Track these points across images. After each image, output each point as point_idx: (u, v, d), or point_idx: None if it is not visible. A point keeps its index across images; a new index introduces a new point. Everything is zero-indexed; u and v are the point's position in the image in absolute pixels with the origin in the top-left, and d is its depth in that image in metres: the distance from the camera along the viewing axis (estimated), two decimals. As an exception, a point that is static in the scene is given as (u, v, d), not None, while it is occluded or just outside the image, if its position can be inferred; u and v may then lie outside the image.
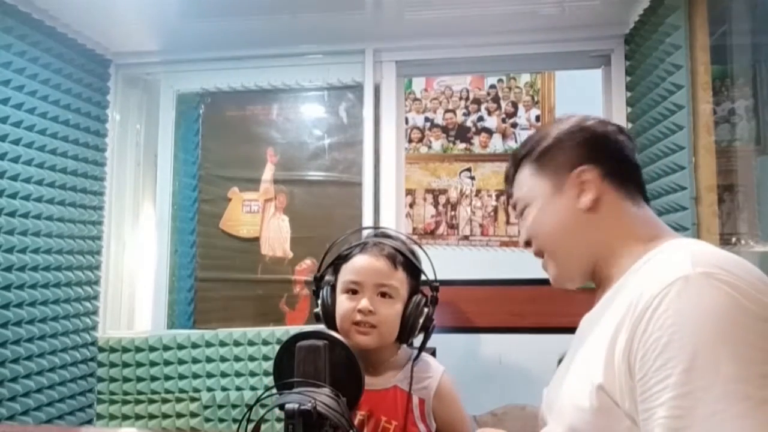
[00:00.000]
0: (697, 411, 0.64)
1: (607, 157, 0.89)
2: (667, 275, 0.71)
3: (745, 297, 0.67)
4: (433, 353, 1.92)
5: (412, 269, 1.21)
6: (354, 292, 1.17)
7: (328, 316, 1.19)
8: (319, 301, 1.21)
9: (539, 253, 0.96)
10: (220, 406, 2.08)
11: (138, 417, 2.13)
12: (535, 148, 0.94)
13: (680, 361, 0.65)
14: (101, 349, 2.15)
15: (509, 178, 1.00)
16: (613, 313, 0.78)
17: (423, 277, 1.23)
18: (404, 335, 1.18)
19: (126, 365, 2.14)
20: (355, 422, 1.13)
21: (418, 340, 1.21)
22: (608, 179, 0.88)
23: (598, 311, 0.87)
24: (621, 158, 0.90)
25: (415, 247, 1.27)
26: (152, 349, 2.13)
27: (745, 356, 0.64)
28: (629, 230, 0.87)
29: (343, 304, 1.17)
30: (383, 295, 1.16)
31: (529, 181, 0.94)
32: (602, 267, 0.89)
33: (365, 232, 1.33)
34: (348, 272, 1.19)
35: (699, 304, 0.67)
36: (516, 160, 0.98)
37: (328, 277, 1.24)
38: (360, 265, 1.18)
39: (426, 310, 1.18)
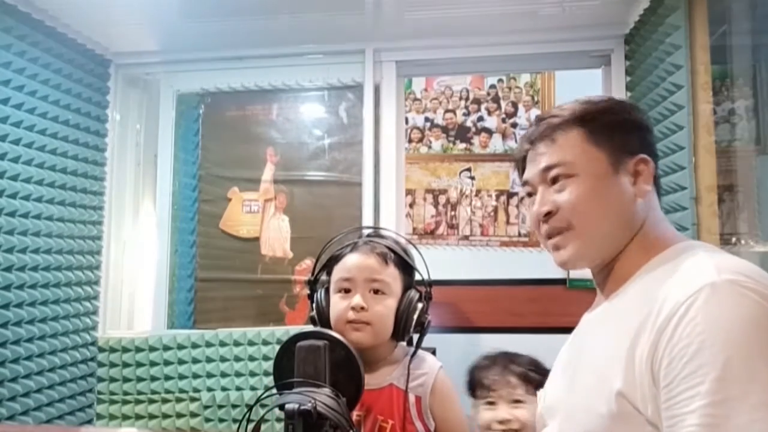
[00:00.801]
0: (733, 420, 0.63)
1: (655, 155, 0.89)
2: (692, 282, 0.71)
3: None
4: (433, 353, 1.91)
5: (405, 266, 1.21)
6: (346, 290, 1.17)
7: (322, 317, 1.19)
8: (314, 304, 1.21)
9: (558, 230, 0.86)
10: (220, 406, 2.08)
11: (138, 417, 2.12)
12: (597, 117, 0.87)
13: (712, 368, 0.65)
14: (101, 349, 2.15)
15: (544, 135, 0.88)
16: (627, 315, 0.77)
17: (417, 275, 1.23)
18: (399, 331, 1.18)
19: (126, 365, 2.14)
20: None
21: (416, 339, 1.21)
22: (654, 176, 0.88)
23: (604, 311, 0.86)
24: (657, 158, 0.91)
25: (408, 246, 1.27)
26: (152, 349, 2.13)
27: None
28: (655, 227, 0.86)
29: (337, 304, 1.17)
30: (375, 291, 1.16)
31: (582, 148, 0.85)
32: (617, 260, 0.86)
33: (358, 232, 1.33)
34: (340, 271, 1.19)
35: (728, 311, 0.67)
36: (563, 119, 0.87)
37: (322, 279, 1.24)
38: (351, 263, 1.18)
39: (420, 305, 1.18)
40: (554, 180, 0.86)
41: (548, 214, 0.86)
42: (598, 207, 0.84)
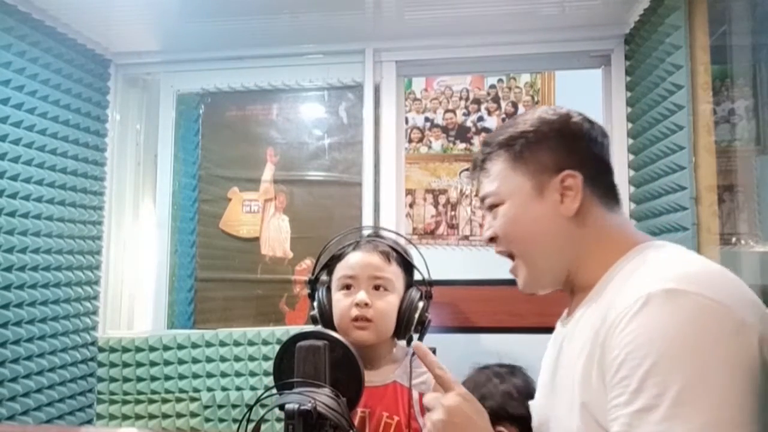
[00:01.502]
0: (639, 430, 0.64)
1: (591, 162, 0.86)
2: (631, 293, 0.71)
3: (708, 314, 0.66)
4: (433, 352, 1.92)
5: (406, 265, 1.22)
6: (349, 287, 1.18)
7: (324, 316, 1.19)
8: (315, 303, 1.21)
9: (506, 254, 0.91)
10: (220, 406, 2.08)
11: (138, 417, 2.12)
12: (516, 141, 0.87)
13: (632, 380, 0.66)
14: (101, 349, 2.15)
15: (477, 166, 0.92)
16: (587, 327, 0.78)
17: (417, 275, 1.24)
18: (400, 329, 1.18)
19: (126, 365, 2.14)
20: (356, 419, 1.13)
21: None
22: (590, 186, 0.85)
23: (573, 323, 0.86)
24: (602, 163, 0.87)
25: (408, 246, 1.27)
26: (152, 349, 2.13)
27: (693, 379, 0.63)
28: (606, 238, 0.85)
29: (340, 301, 1.17)
30: (378, 288, 1.17)
31: (504, 175, 0.87)
32: (575, 274, 0.87)
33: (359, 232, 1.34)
34: (342, 269, 1.20)
35: (656, 323, 0.67)
36: (490, 148, 0.90)
37: (322, 278, 1.25)
38: (354, 260, 1.19)
39: (421, 304, 1.18)
40: (490, 207, 0.90)
41: (492, 239, 0.90)
42: (526, 233, 0.87)
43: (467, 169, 3.26)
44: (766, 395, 0.65)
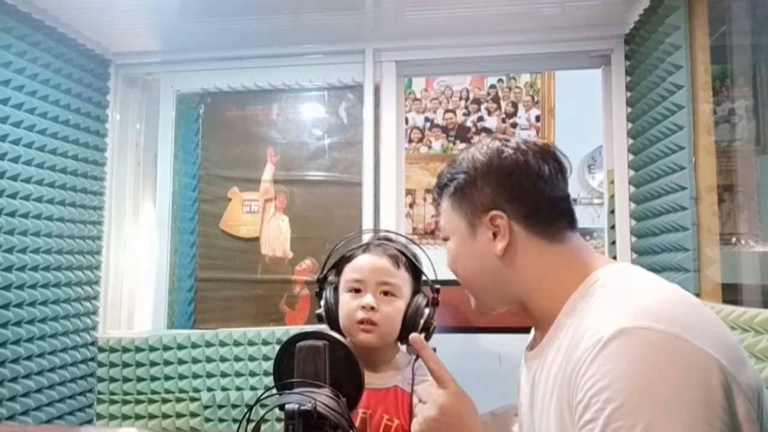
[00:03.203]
0: None
1: (519, 199, 0.84)
2: (589, 335, 0.71)
3: (662, 348, 0.65)
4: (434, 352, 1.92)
5: (414, 270, 1.23)
6: (357, 290, 1.18)
7: (330, 315, 1.20)
8: (322, 302, 1.22)
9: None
10: (220, 406, 2.08)
11: (138, 417, 2.13)
12: (451, 184, 0.91)
13: (597, 424, 0.65)
14: (101, 349, 2.15)
15: (435, 201, 0.97)
16: (554, 369, 0.79)
17: (424, 278, 1.24)
18: (405, 334, 1.18)
19: (126, 365, 2.14)
20: (358, 420, 1.13)
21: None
22: (520, 223, 0.84)
23: (540, 359, 0.85)
24: (536, 197, 0.84)
25: (417, 250, 1.28)
26: (152, 349, 2.13)
27: (657, 416, 0.62)
28: (547, 272, 0.84)
29: (347, 303, 1.18)
30: (386, 293, 1.18)
31: (448, 213, 0.92)
32: (529, 304, 0.87)
33: (367, 235, 1.35)
34: (351, 271, 1.21)
35: (611, 366, 0.66)
36: (438, 187, 0.95)
37: (331, 278, 1.25)
38: (363, 263, 1.20)
39: (427, 311, 1.19)
40: (444, 240, 0.95)
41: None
42: (464, 268, 0.91)
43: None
44: (732, 418, 0.64)
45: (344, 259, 1.24)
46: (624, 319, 0.68)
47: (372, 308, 1.15)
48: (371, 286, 1.18)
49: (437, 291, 1.21)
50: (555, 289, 0.83)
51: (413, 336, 0.96)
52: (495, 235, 0.85)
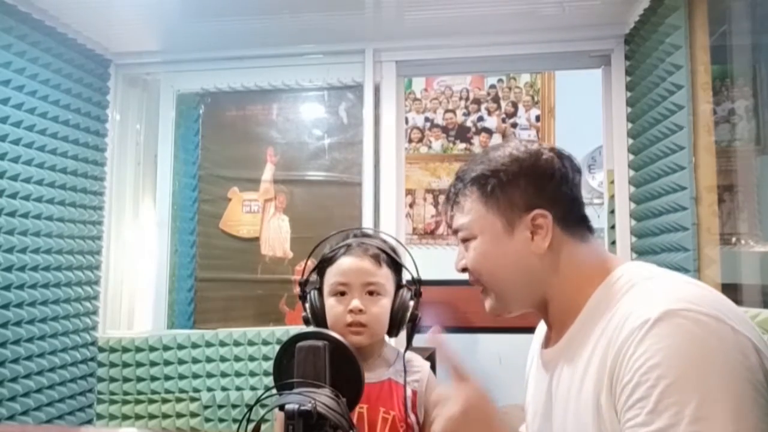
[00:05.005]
0: None
1: (561, 200, 0.87)
2: (634, 318, 0.73)
3: (709, 329, 0.68)
4: (433, 353, 1.92)
5: (396, 265, 1.24)
6: (342, 293, 1.19)
7: (317, 318, 1.20)
8: (307, 305, 1.22)
9: (476, 283, 0.94)
10: (220, 406, 2.08)
11: (138, 417, 2.13)
12: (488, 180, 0.88)
13: (648, 401, 0.67)
14: (101, 349, 2.16)
15: (450, 199, 0.94)
16: (590, 357, 0.79)
17: (407, 277, 1.25)
18: (393, 329, 1.21)
19: (126, 365, 2.14)
20: (355, 415, 1.14)
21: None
22: (561, 222, 0.86)
23: (565, 355, 0.86)
24: (573, 199, 0.88)
25: (393, 242, 1.29)
26: (152, 349, 2.13)
27: (708, 394, 0.65)
28: (579, 269, 0.87)
29: (334, 307, 1.19)
30: (371, 293, 1.18)
31: (476, 211, 0.89)
32: (552, 303, 0.89)
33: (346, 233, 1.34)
34: (334, 274, 1.20)
35: (662, 345, 0.69)
36: (462, 184, 0.92)
37: (312, 280, 1.25)
38: (346, 266, 1.20)
39: (411, 303, 1.20)
40: (463, 240, 0.92)
41: (465, 269, 0.93)
42: (495, 267, 0.89)
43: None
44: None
45: (325, 262, 1.24)
46: (669, 302, 0.71)
47: (360, 311, 1.16)
48: (356, 288, 1.18)
49: (419, 283, 1.22)
50: (581, 286, 0.85)
51: (431, 337, 0.96)
52: (532, 234, 0.86)
